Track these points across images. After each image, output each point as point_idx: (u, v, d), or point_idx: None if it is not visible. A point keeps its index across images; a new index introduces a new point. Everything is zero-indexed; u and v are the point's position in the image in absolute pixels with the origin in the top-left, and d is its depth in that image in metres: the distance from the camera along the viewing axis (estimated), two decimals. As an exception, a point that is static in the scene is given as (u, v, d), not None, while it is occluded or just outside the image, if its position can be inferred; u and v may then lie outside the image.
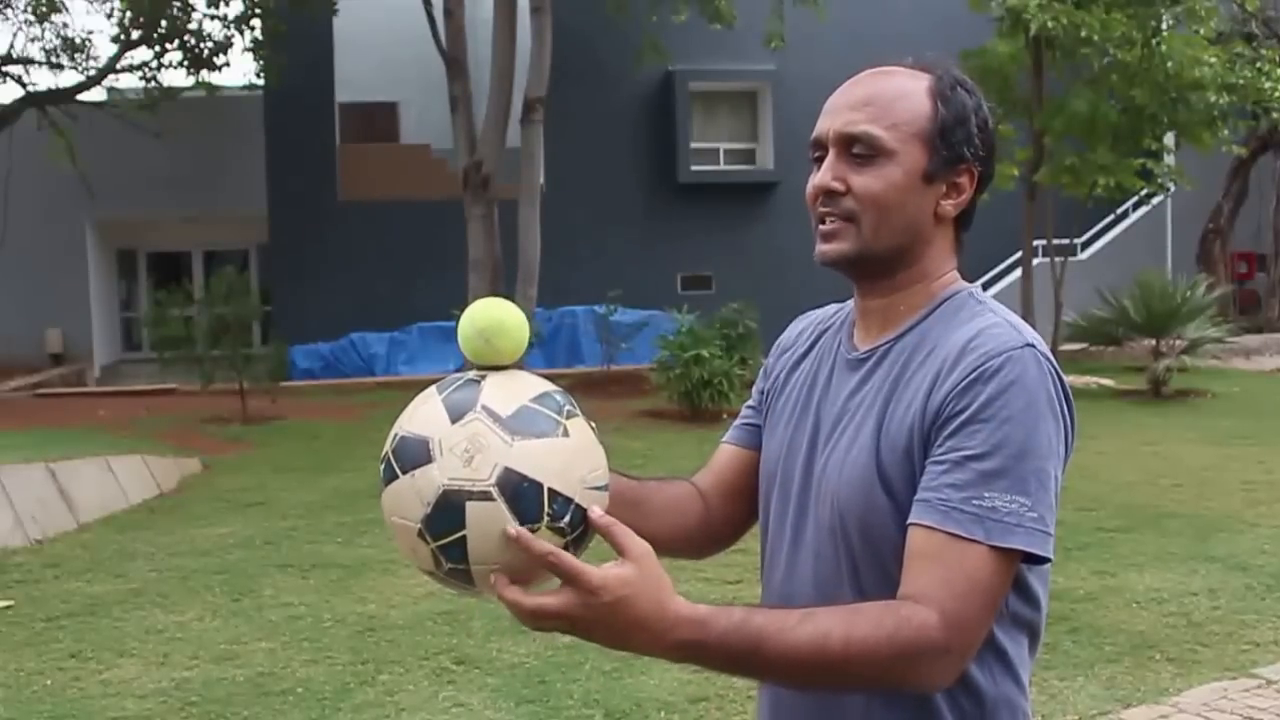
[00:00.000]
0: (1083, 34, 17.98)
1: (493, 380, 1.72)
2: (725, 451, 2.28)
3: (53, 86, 23.62)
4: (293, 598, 8.21)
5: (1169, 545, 8.99)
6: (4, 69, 22.59)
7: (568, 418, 1.71)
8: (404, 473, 1.67)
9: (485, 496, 1.61)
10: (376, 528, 10.07)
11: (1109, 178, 18.87)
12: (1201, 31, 19.12)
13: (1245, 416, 15.99)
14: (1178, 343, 18.74)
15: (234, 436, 15.88)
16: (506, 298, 1.85)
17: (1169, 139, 22.08)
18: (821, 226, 1.94)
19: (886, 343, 1.95)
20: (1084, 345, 19.81)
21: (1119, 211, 28.71)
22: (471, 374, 1.74)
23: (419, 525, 1.65)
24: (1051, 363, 1.83)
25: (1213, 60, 18.25)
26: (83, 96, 23.50)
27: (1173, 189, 23.55)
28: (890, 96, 1.91)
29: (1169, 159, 22.51)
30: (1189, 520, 9.83)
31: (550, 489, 1.64)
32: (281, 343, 19.87)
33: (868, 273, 1.96)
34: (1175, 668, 6.40)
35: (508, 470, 1.62)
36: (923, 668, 1.71)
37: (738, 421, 2.28)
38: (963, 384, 1.79)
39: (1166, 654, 6.60)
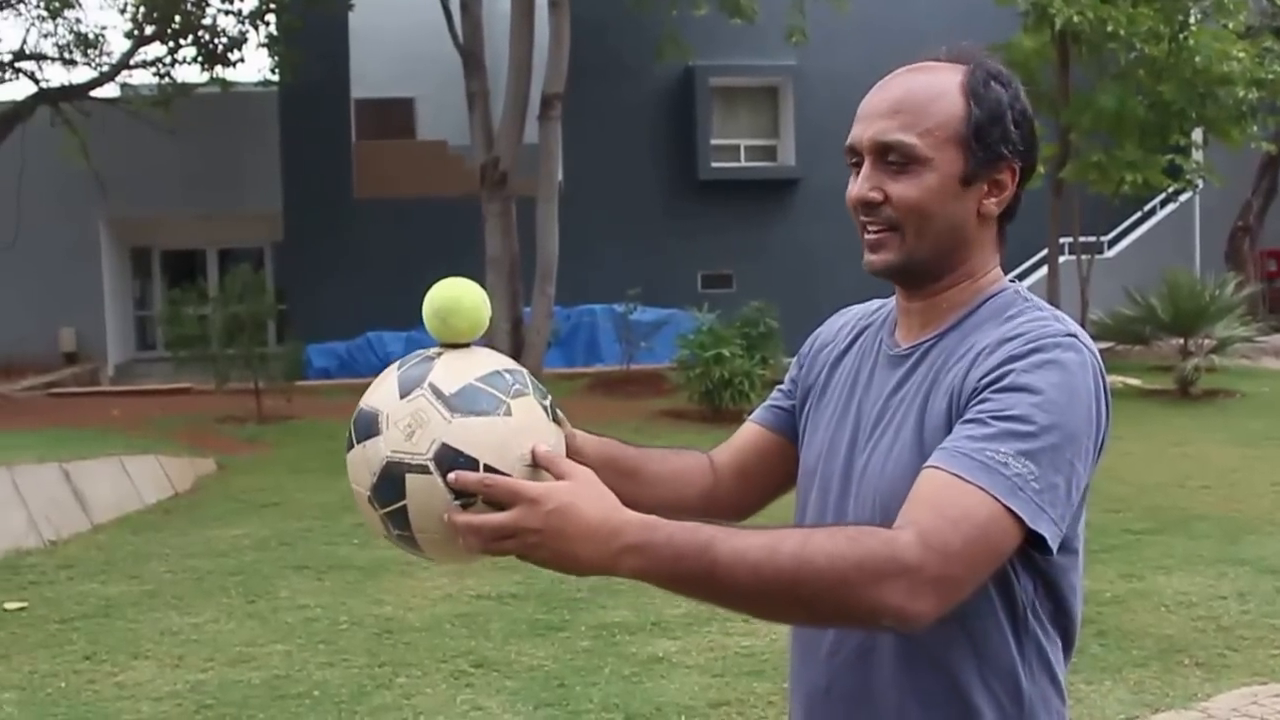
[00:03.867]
0: (1109, 28, 17.93)
1: (446, 358, 1.81)
2: (749, 430, 2.28)
3: (66, 83, 23.62)
4: (309, 599, 8.23)
5: (1198, 548, 8.97)
6: (16, 65, 22.60)
7: (514, 396, 1.77)
8: (358, 442, 1.77)
9: (423, 470, 1.70)
10: (393, 529, 10.09)
11: (1136, 174, 18.81)
12: (1230, 26, 19.05)
13: (1275, 417, 15.93)
14: (1206, 342, 18.69)
15: (249, 436, 15.92)
16: (472, 276, 1.89)
17: (1197, 135, 22.01)
18: (866, 236, 1.95)
19: (930, 340, 1.96)
20: (1111, 344, 19.75)
21: (1146, 209, 28.62)
22: (431, 351, 1.83)
23: (369, 493, 1.75)
24: (1096, 359, 1.83)
25: (1241, 55, 18.19)
26: (96, 93, 23.51)
27: (1201, 186, 23.44)
28: (922, 100, 1.90)
29: (1197, 155, 22.45)
30: (1218, 522, 9.80)
31: (486, 465, 1.70)
32: (297, 342, 19.92)
33: (913, 279, 1.97)
34: (1204, 672, 6.39)
35: (445, 446, 1.70)
36: (886, 585, 1.64)
37: (766, 402, 2.29)
38: (1001, 362, 1.80)
39: (1195, 658, 6.59)
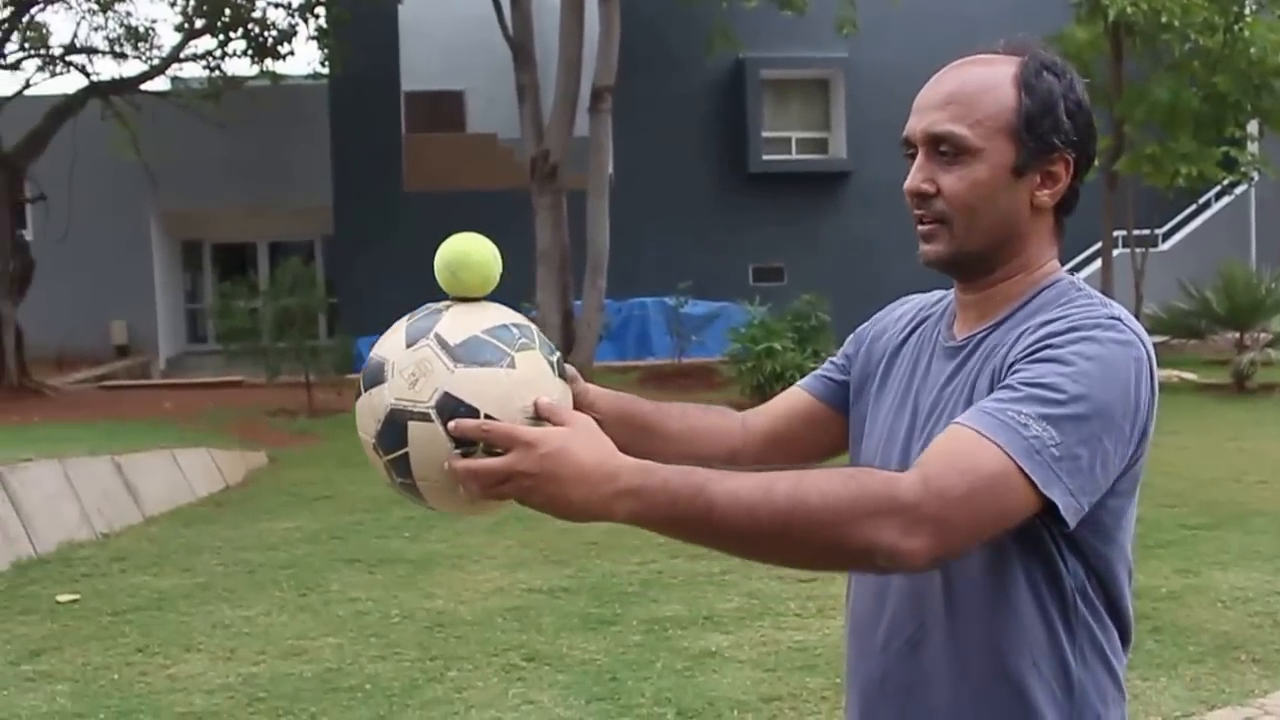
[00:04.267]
0: (1163, 19, 17.83)
1: (454, 310, 1.84)
2: (794, 396, 2.28)
3: (116, 76, 23.82)
4: (360, 593, 8.25)
5: (1254, 543, 8.87)
6: (67, 59, 22.80)
7: (519, 350, 1.80)
8: (365, 390, 1.81)
9: (425, 418, 1.72)
10: (444, 523, 10.13)
11: (1191, 167, 18.69)
12: None
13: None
14: (1262, 336, 18.54)
15: (300, 430, 16.00)
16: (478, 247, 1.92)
17: (1252, 127, 21.81)
18: (919, 227, 1.95)
19: (983, 331, 1.95)
20: (1165, 338, 19.64)
21: (1201, 202, 28.39)
22: (441, 304, 1.86)
23: (374, 440, 1.79)
24: (1144, 346, 1.81)
25: None
26: (146, 86, 23.69)
27: (1257, 178, 23.21)
28: (973, 91, 1.90)
29: (1253, 148, 22.22)
30: (1275, 518, 9.69)
31: (486, 415, 1.72)
32: (347, 335, 20.00)
33: (966, 271, 1.97)
34: (1261, 669, 6.31)
35: (446, 395, 1.72)
36: (880, 521, 1.64)
37: (816, 372, 2.29)
38: (1039, 339, 1.81)
39: (1252, 655, 6.50)
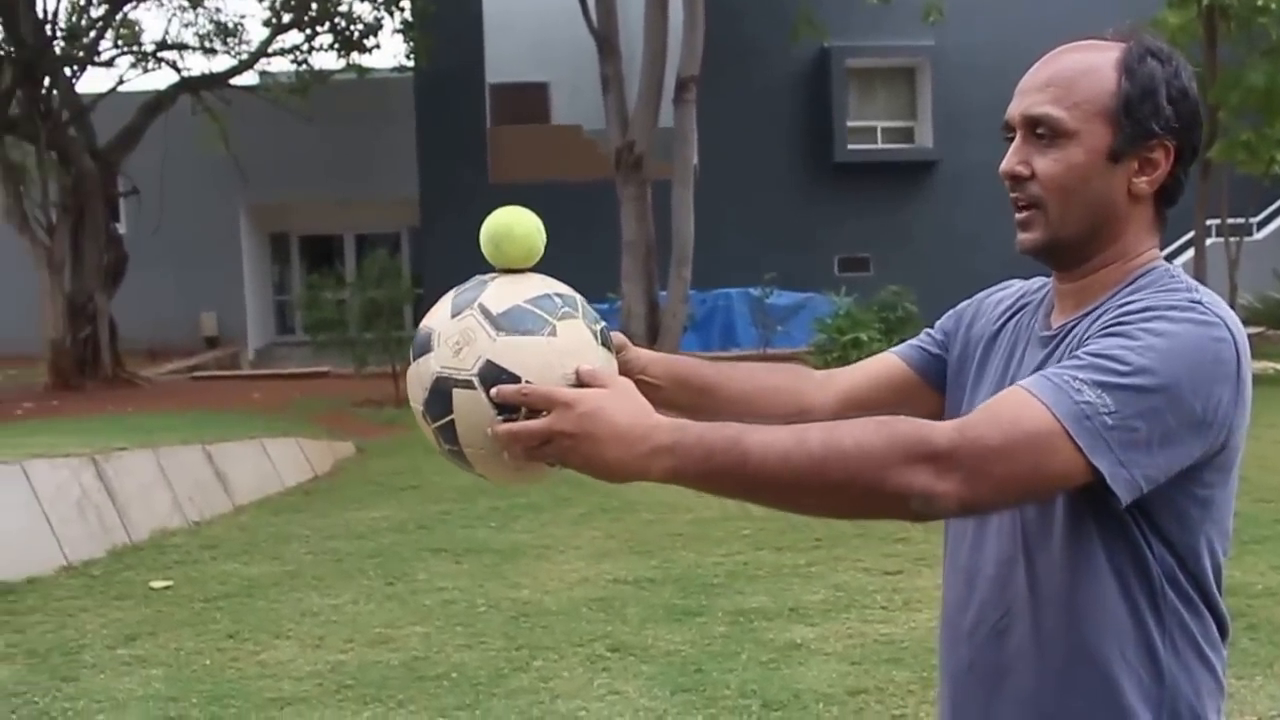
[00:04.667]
0: (1259, 2, 17.63)
1: (499, 281, 1.89)
2: (886, 361, 2.30)
3: (206, 71, 24.25)
4: (446, 582, 8.34)
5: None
6: (159, 55, 23.24)
7: (561, 319, 1.84)
8: (414, 360, 1.87)
9: (468, 385, 1.78)
10: (530, 513, 10.23)
11: (1291, 153, 18.60)
12: None
13: None
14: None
15: (387, 420, 16.16)
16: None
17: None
18: (1017, 215, 1.96)
19: (1075, 319, 1.94)
20: (1261, 329, 19.46)
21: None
22: (487, 276, 1.92)
23: (422, 408, 1.85)
24: (1232, 331, 1.79)
25: None
26: (235, 81, 24.11)
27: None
28: (1073, 74, 1.91)
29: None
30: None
31: (527, 382, 1.76)
32: None
33: (1063, 259, 1.97)
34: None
35: (489, 363, 1.77)
36: (913, 466, 1.67)
37: (913, 341, 2.30)
38: (1113, 319, 1.82)
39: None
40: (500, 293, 1.85)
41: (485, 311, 1.82)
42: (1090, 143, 1.88)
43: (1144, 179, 1.90)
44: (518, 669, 6.54)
